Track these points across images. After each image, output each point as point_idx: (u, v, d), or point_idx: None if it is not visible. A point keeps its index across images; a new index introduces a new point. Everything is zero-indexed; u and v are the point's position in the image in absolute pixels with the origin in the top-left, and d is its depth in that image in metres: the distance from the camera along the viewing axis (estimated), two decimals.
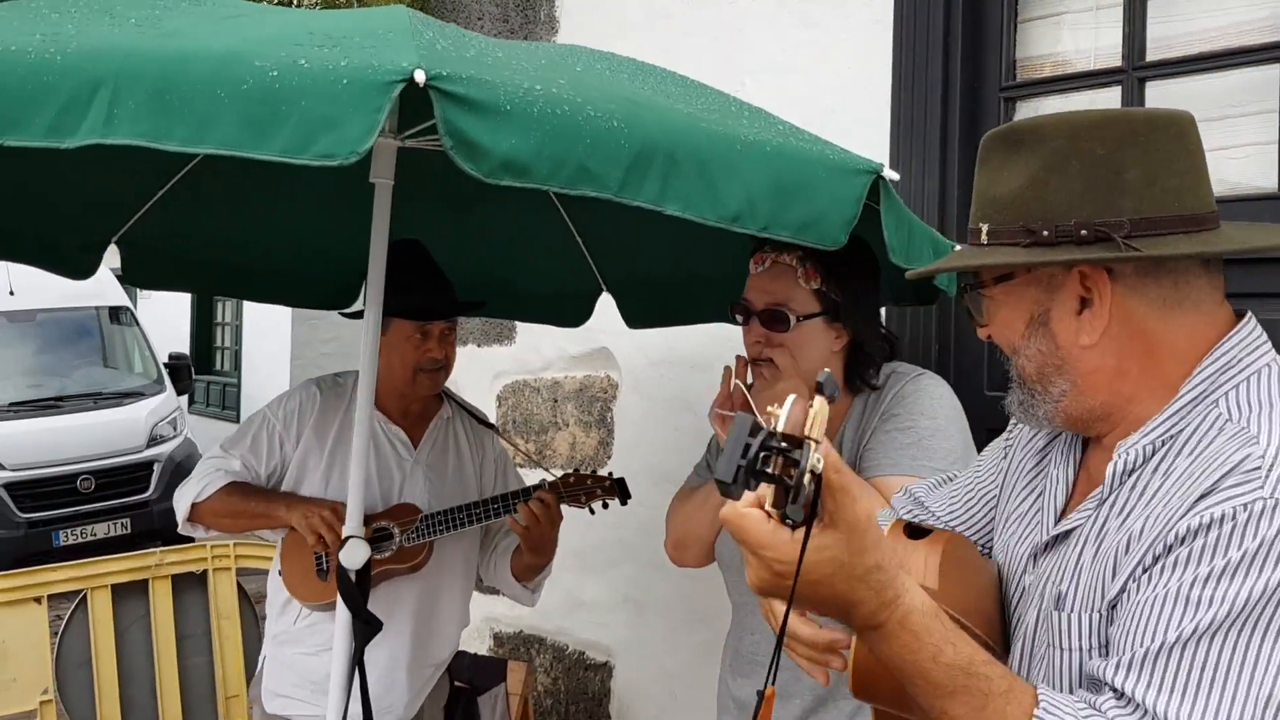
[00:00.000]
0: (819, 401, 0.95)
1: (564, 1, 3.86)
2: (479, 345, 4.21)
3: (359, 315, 2.70)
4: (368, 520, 2.47)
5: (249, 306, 12.19)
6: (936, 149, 2.80)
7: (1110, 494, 1.22)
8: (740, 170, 1.61)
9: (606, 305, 3.24)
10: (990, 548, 1.51)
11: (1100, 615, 1.16)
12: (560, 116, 1.48)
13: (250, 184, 2.70)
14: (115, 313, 9.96)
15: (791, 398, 0.97)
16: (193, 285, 3.87)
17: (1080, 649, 1.18)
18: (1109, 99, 2.62)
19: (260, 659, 2.85)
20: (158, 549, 4.25)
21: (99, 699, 3.94)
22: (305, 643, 2.70)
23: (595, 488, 2.61)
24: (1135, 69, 2.54)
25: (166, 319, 12.72)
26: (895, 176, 1.80)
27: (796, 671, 1.35)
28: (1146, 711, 1.05)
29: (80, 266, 2.86)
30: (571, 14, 3.84)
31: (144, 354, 9.98)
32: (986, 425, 2.69)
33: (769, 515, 1.02)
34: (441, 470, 2.78)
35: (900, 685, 1.13)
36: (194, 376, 11.00)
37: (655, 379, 3.56)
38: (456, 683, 3.08)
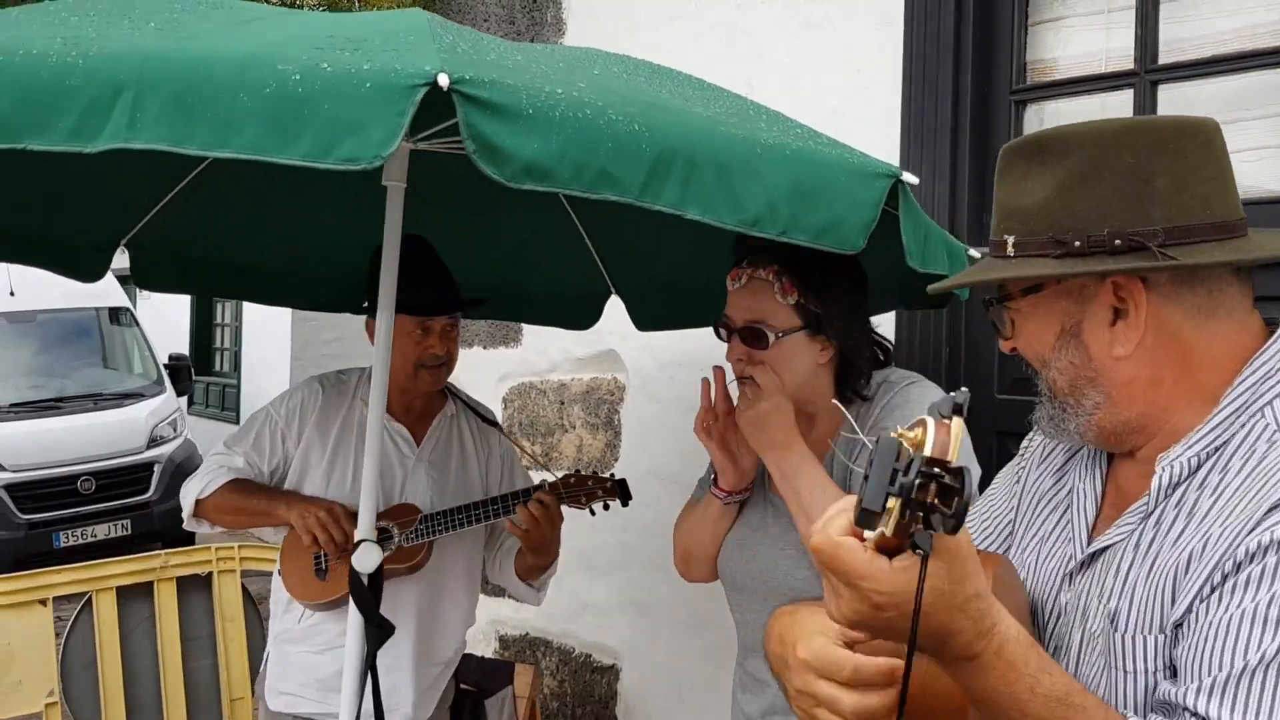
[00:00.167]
0: (958, 423, 0.91)
1: (571, 3, 3.86)
2: (485, 347, 4.21)
3: (363, 310, 2.71)
4: (354, 536, 2.46)
5: (248, 307, 12.17)
6: (947, 152, 2.80)
7: (1156, 508, 1.19)
8: (760, 174, 1.60)
9: (614, 308, 3.24)
10: None
11: (1165, 636, 1.13)
12: (582, 120, 1.47)
13: (259, 186, 2.69)
14: (115, 313, 9.95)
15: (930, 421, 0.91)
16: (201, 287, 3.87)
17: (1145, 671, 1.15)
18: (1120, 102, 2.63)
19: (264, 656, 2.85)
20: (162, 551, 4.25)
21: (104, 701, 3.95)
22: (309, 641, 2.71)
23: (596, 489, 2.60)
24: (1148, 72, 2.54)
25: (166, 320, 12.69)
26: (915, 180, 1.80)
27: None
28: None
29: (91, 269, 2.86)
30: (578, 15, 3.83)
31: (144, 355, 9.97)
32: (997, 429, 2.69)
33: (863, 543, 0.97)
34: (445, 468, 2.78)
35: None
36: (194, 377, 10.99)
37: (664, 381, 3.55)
38: (463, 685, 3.08)
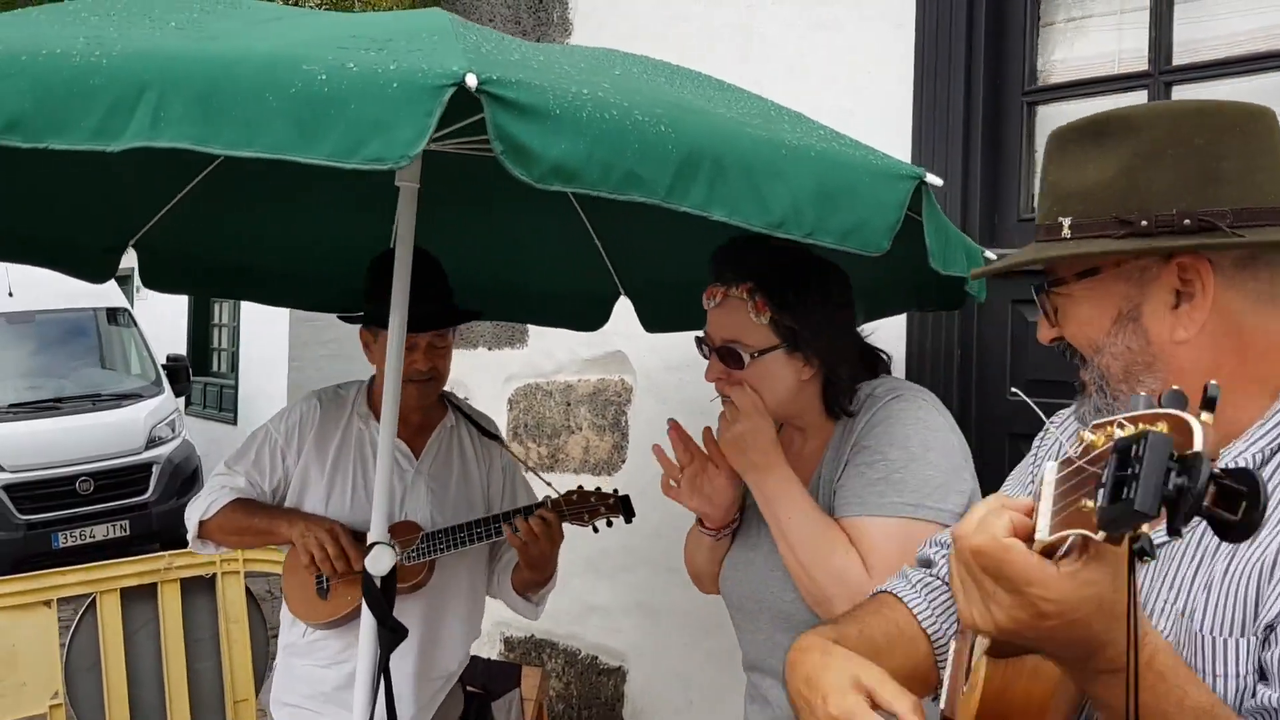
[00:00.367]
0: (1206, 417, 0.83)
1: (577, 3, 3.85)
2: (490, 348, 4.19)
3: (357, 319, 2.70)
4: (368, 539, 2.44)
5: (246, 308, 12.13)
6: (959, 153, 2.79)
7: None
8: (785, 175, 1.59)
9: (621, 309, 3.23)
10: None
11: (1255, 638, 1.09)
12: (609, 121, 1.46)
13: (267, 186, 2.68)
14: (113, 314, 9.95)
15: (1195, 420, 0.83)
16: (208, 288, 3.86)
17: (1237, 675, 1.10)
18: (1132, 103, 2.62)
19: (271, 665, 2.84)
20: (166, 553, 4.25)
21: (108, 702, 3.95)
22: (313, 655, 2.71)
23: (599, 505, 2.58)
24: (1162, 73, 2.54)
25: (164, 320, 12.65)
26: (939, 182, 1.79)
27: None
28: None
29: (99, 270, 2.85)
30: (585, 15, 3.82)
31: (142, 355, 9.96)
32: (1010, 430, 2.69)
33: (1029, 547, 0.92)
34: (445, 481, 2.75)
35: None
36: (191, 378, 10.98)
37: (672, 383, 3.54)
38: (470, 688, 3.07)
